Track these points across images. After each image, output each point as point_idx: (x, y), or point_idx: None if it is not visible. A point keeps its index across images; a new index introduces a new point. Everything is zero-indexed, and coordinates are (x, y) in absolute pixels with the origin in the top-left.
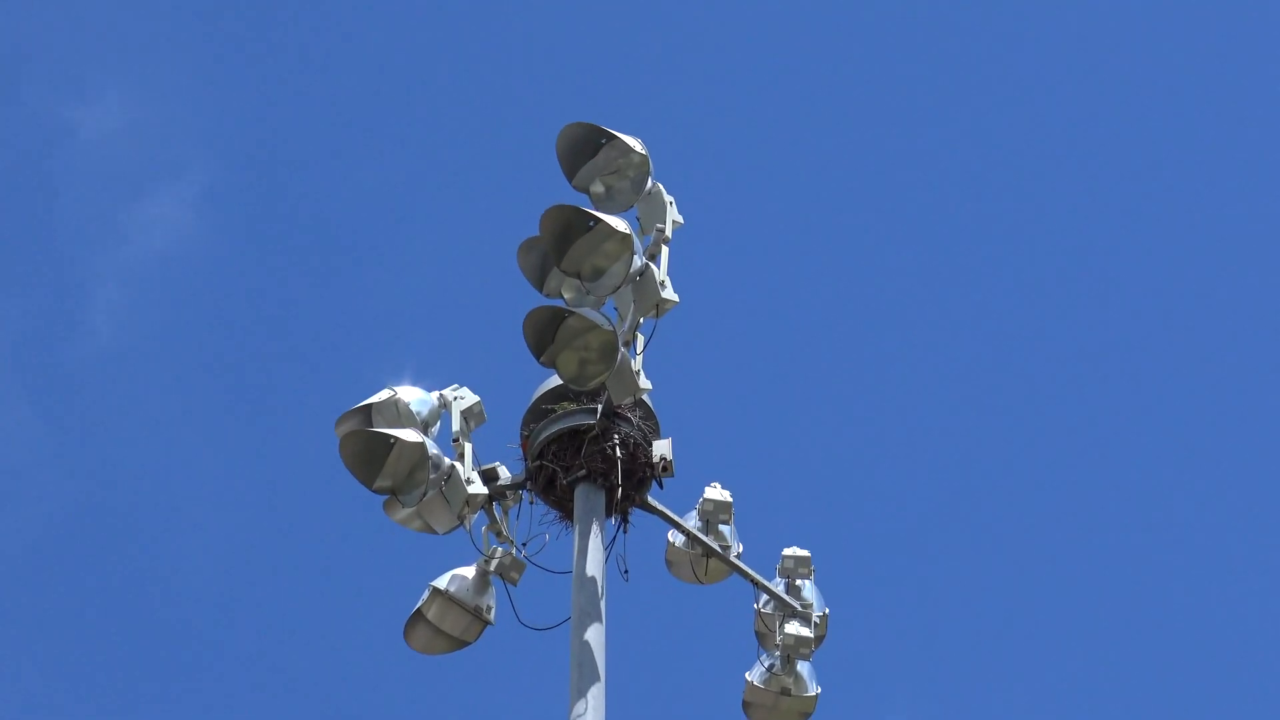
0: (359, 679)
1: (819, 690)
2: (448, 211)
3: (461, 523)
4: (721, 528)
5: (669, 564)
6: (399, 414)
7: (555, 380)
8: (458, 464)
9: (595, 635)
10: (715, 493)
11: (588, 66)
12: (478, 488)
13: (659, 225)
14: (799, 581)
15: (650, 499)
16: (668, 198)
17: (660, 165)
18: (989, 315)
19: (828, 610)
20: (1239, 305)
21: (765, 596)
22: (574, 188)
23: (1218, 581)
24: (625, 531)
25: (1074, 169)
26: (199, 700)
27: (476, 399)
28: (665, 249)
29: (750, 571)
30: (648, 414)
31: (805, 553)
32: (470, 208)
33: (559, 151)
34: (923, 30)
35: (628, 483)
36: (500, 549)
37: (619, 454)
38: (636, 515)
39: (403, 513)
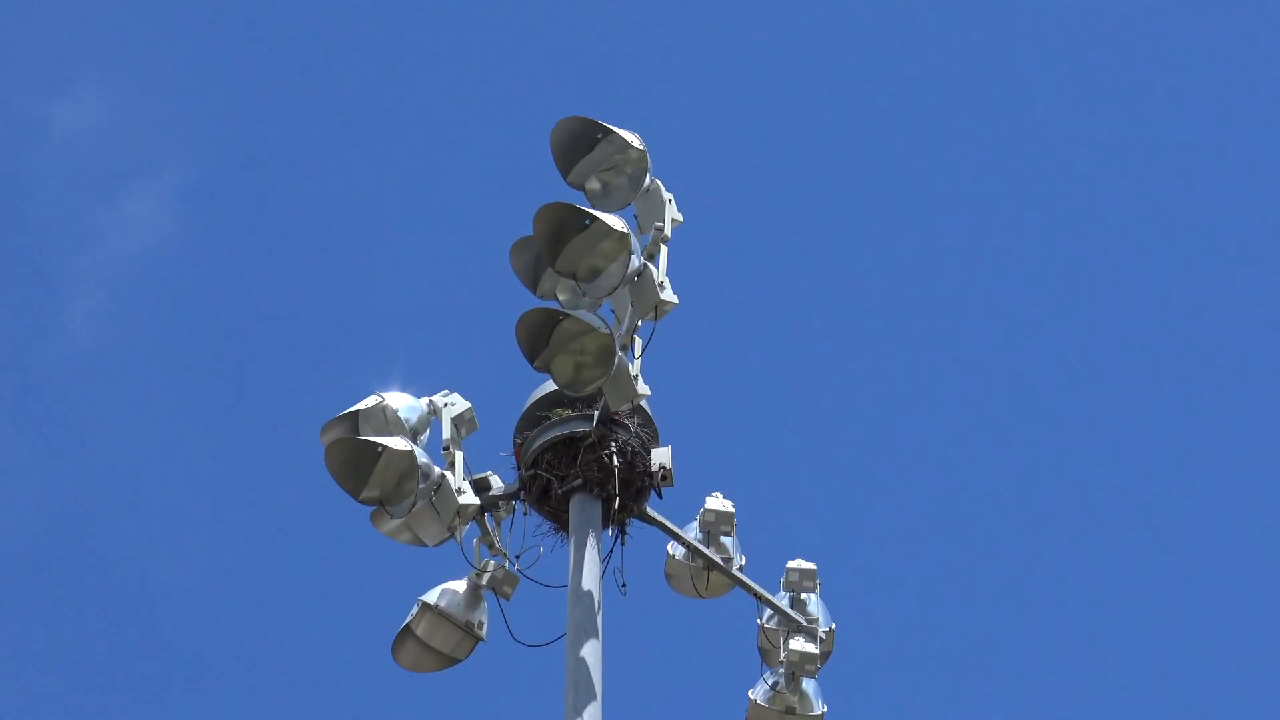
0: (344, 698)
1: (825, 709)
2: (437, 210)
3: (452, 534)
4: (723, 539)
5: (668, 577)
6: (387, 421)
7: (550, 386)
8: (448, 473)
9: (592, 652)
10: (716, 503)
11: (583, 58)
12: (469, 498)
13: (657, 223)
14: (804, 595)
15: (649, 509)
16: (666, 195)
17: (659, 161)
18: (1001, 320)
19: (834, 625)
20: (1240, 307)
21: (769, 611)
22: (569, 185)
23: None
24: (623, 543)
25: (1076, 169)
26: (176, 718)
27: (468, 405)
28: (664, 248)
29: (753, 585)
30: (646, 421)
31: (810, 565)
32: (461, 206)
33: (553, 147)
34: (928, 22)
35: (625, 493)
36: (492, 562)
37: (616, 463)
38: (634, 526)
39: (391, 524)
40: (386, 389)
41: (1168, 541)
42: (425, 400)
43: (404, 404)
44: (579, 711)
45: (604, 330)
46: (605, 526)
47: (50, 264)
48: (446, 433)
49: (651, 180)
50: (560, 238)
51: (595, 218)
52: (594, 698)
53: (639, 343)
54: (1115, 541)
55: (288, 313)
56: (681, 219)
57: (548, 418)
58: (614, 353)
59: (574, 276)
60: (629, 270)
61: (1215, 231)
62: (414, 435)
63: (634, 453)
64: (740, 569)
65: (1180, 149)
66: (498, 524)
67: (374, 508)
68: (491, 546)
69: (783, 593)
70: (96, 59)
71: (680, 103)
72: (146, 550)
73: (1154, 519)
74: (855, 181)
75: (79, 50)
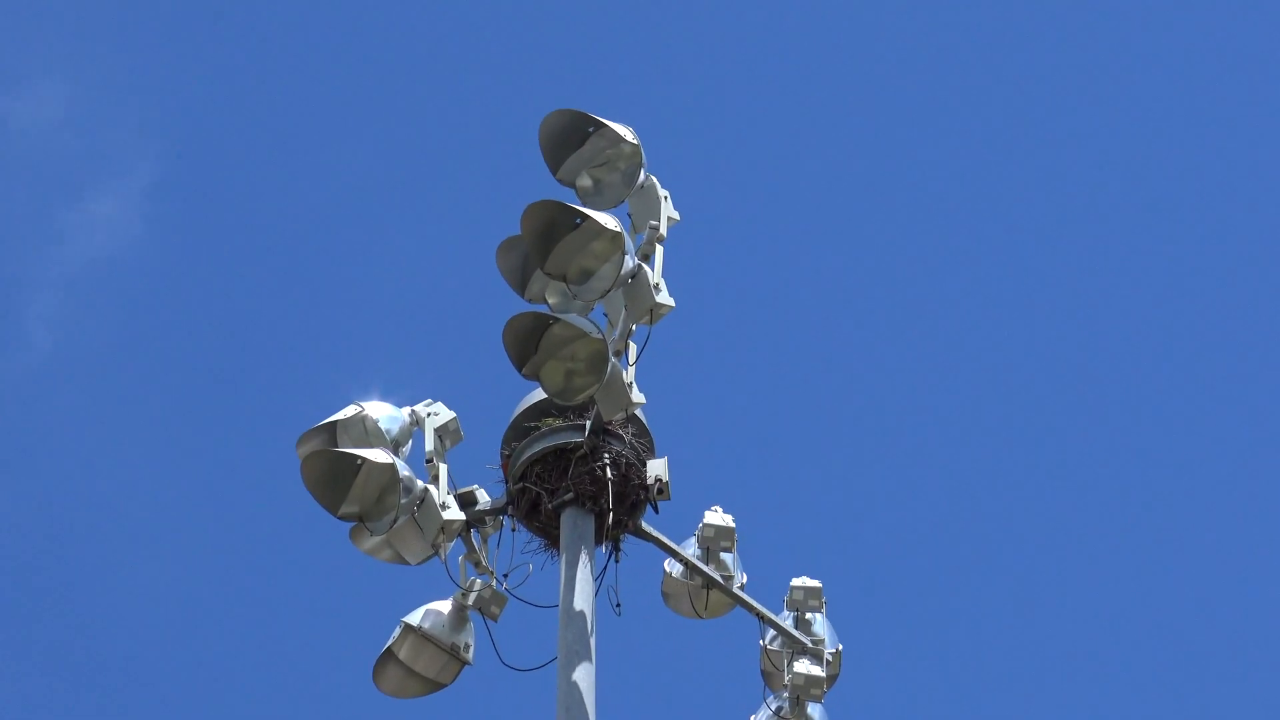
0: None
1: None
2: (419, 208)
3: (436, 552)
4: (723, 556)
5: (665, 596)
6: (366, 432)
7: (539, 394)
8: (432, 487)
9: (584, 676)
10: (716, 517)
11: (574, 48)
12: (454, 513)
13: (652, 222)
14: (809, 615)
15: (644, 525)
16: (662, 192)
17: (654, 156)
18: (1016, 327)
19: (841, 646)
20: (1241, 309)
21: (772, 632)
22: (559, 181)
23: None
24: (617, 561)
25: (1081, 168)
26: None
27: (452, 415)
28: (660, 249)
29: (755, 604)
30: (641, 431)
31: (816, 583)
32: (444, 204)
33: (542, 141)
34: (933, 11)
35: (619, 507)
36: (479, 581)
37: (610, 475)
38: (629, 543)
39: (371, 541)
40: (366, 398)
41: (1181, 549)
42: (407, 410)
43: (384, 414)
44: None
45: (596, 335)
46: (598, 543)
47: (9, 267)
48: (430, 444)
49: (646, 176)
50: (550, 237)
51: (586, 216)
52: None
53: (633, 348)
54: (1132, 552)
55: (261, 318)
56: (678, 217)
57: (537, 428)
58: (607, 359)
59: (564, 278)
60: (622, 272)
61: (1216, 232)
62: (395, 447)
63: (628, 464)
64: (741, 587)
65: (1180, 149)
66: (484, 541)
67: (353, 524)
68: (478, 565)
69: (786, 612)
70: (57, 52)
71: (676, 94)
72: (110, 571)
73: (1166, 528)
74: (860, 178)
75: (38, 43)
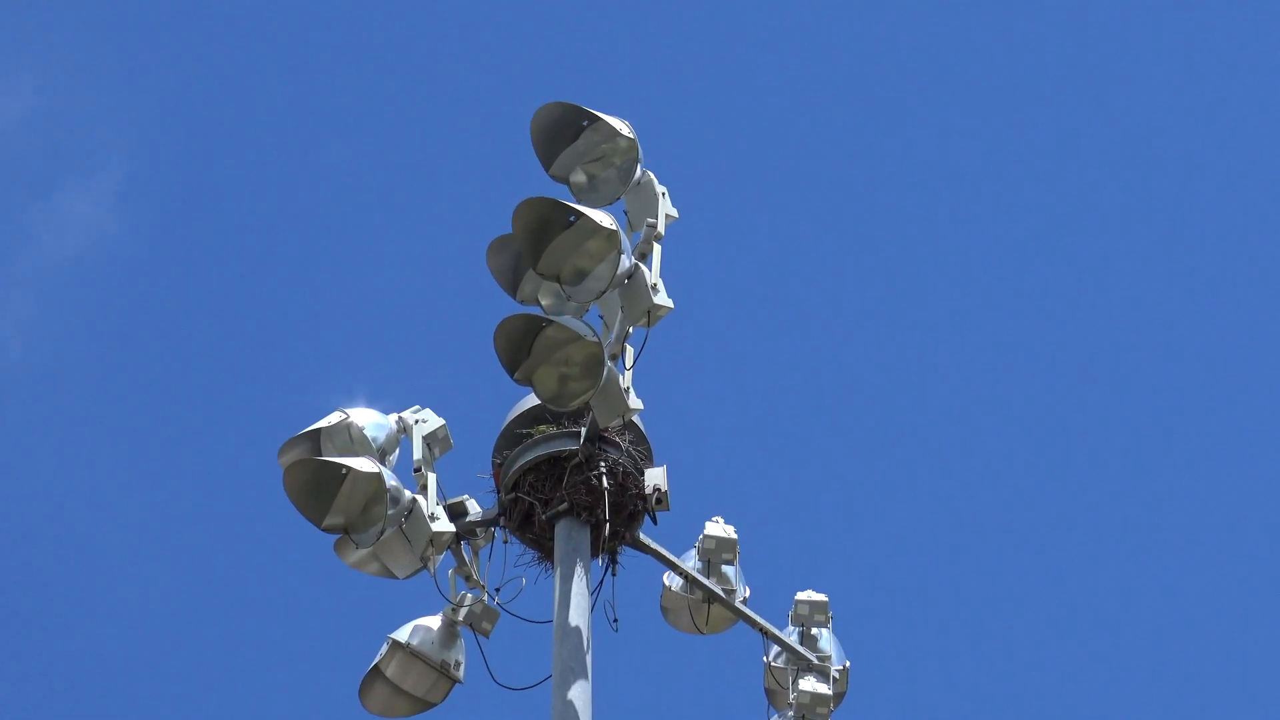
0: None
1: None
2: (406, 205)
3: (425, 565)
4: (725, 569)
5: (665, 611)
6: (351, 440)
7: (532, 400)
8: (420, 498)
9: (580, 694)
10: (717, 529)
11: (567, 37)
12: (443, 525)
13: (650, 220)
14: (815, 630)
15: (642, 536)
16: (660, 188)
17: (651, 151)
18: (1031, 336)
19: (848, 663)
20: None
21: (776, 648)
22: (552, 177)
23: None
24: (614, 574)
25: (1084, 168)
26: None
27: (441, 422)
28: (657, 247)
29: (758, 619)
30: (639, 438)
31: (822, 597)
32: (432, 201)
33: (534, 135)
34: (943, 3)
35: (616, 518)
36: (470, 595)
37: (606, 485)
38: (627, 555)
39: (357, 554)
40: (351, 404)
41: (1198, 563)
42: (394, 417)
43: (370, 421)
44: None
45: (591, 338)
46: (594, 555)
47: None
48: (418, 453)
49: (643, 172)
50: (543, 236)
51: (581, 214)
52: None
53: (630, 352)
54: (1152, 565)
55: (241, 321)
56: (676, 215)
57: (530, 435)
58: (602, 363)
59: (558, 279)
60: (619, 272)
61: (1217, 232)
62: (382, 456)
63: (625, 474)
64: (744, 601)
65: (1180, 149)
66: (475, 553)
67: (338, 536)
68: (468, 578)
69: (791, 627)
70: (26, 45)
71: (674, 86)
72: (84, 587)
73: (1181, 539)
74: (868, 172)
75: (7, 36)
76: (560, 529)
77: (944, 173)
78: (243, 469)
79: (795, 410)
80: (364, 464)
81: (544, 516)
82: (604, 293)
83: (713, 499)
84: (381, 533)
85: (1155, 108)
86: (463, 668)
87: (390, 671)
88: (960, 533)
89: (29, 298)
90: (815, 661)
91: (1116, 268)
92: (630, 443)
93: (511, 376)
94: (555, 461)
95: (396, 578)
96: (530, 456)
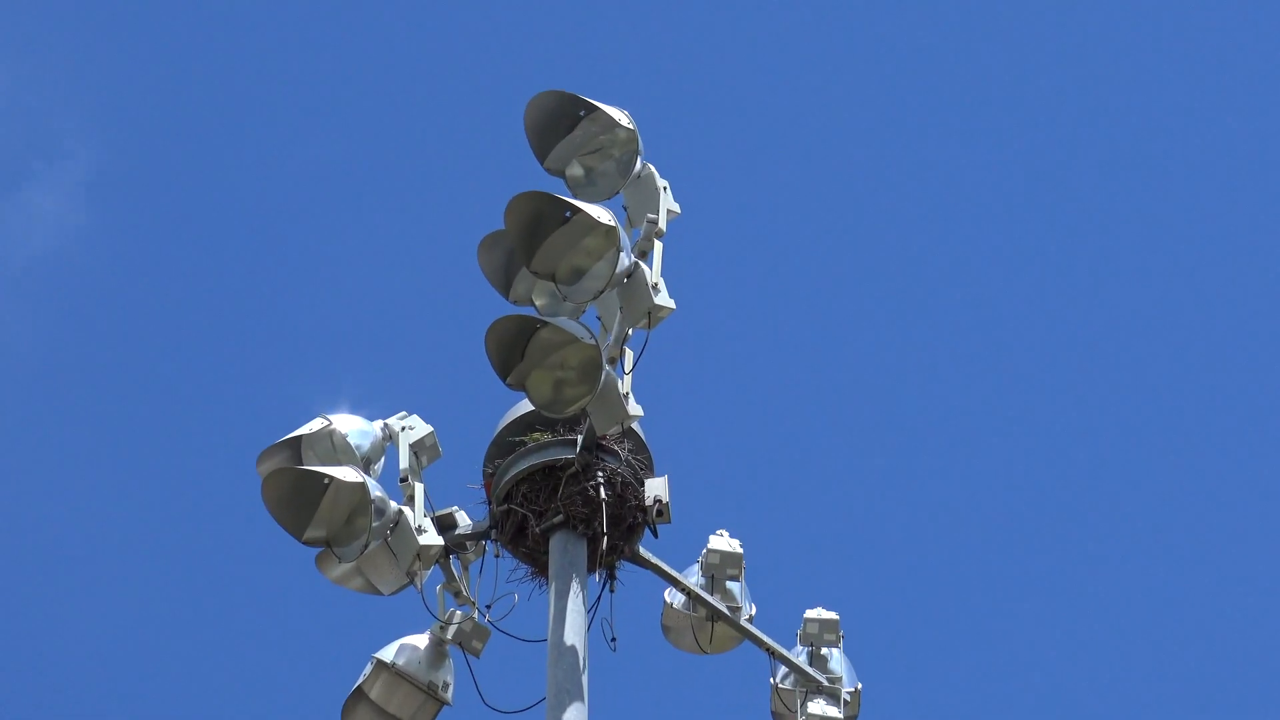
0: None
1: None
2: (392, 200)
3: (412, 581)
4: (729, 585)
5: (666, 629)
6: (334, 448)
7: (525, 406)
8: (406, 509)
9: (576, 718)
10: (722, 542)
11: (563, 22)
12: (431, 538)
13: (650, 216)
14: (825, 650)
15: (642, 550)
16: (661, 182)
17: (651, 143)
18: (1055, 343)
19: (860, 685)
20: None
21: (784, 669)
22: (546, 170)
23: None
24: (612, 590)
25: (1088, 167)
26: None
27: (429, 429)
28: (658, 245)
29: (765, 638)
30: (638, 446)
31: (832, 615)
32: (420, 195)
33: (528, 126)
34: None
35: (615, 531)
36: (459, 613)
37: (604, 496)
38: (626, 570)
39: (340, 569)
40: (334, 410)
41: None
42: (379, 424)
43: (354, 428)
44: None
45: (588, 340)
46: (591, 570)
47: None
48: (404, 461)
49: (643, 165)
50: (537, 232)
51: (577, 209)
52: None
53: (629, 355)
54: (1172, 581)
55: (217, 322)
56: (679, 210)
57: (523, 443)
58: (600, 367)
59: (553, 278)
60: (617, 270)
61: (1217, 232)
62: (366, 464)
63: (624, 484)
64: (750, 619)
65: (1180, 149)
66: (465, 568)
67: (320, 550)
68: (458, 594)
69: (800, 647)
70: None
71: (675, 74)
72: (49, 600)
73: (1201, 557)
74: (878, 166)
75: None
76: (555, 542)
77: (969, 166)
78: (218, 478)
79: (804, 417)
80: (347, 473)
81: (538, 529)
82: (602, 292)
83: (717, 511)
84: (366, 546)
85: (1155, 107)
86: (451, 689)
87: (375, 693)
88: (981, 549)
89: None
90: (825, 683)
91: (1131, 268)
92: (629, 451)
93: (504, 381)
94: (550, 471)
95: (382, 594)
96: (524, 466)
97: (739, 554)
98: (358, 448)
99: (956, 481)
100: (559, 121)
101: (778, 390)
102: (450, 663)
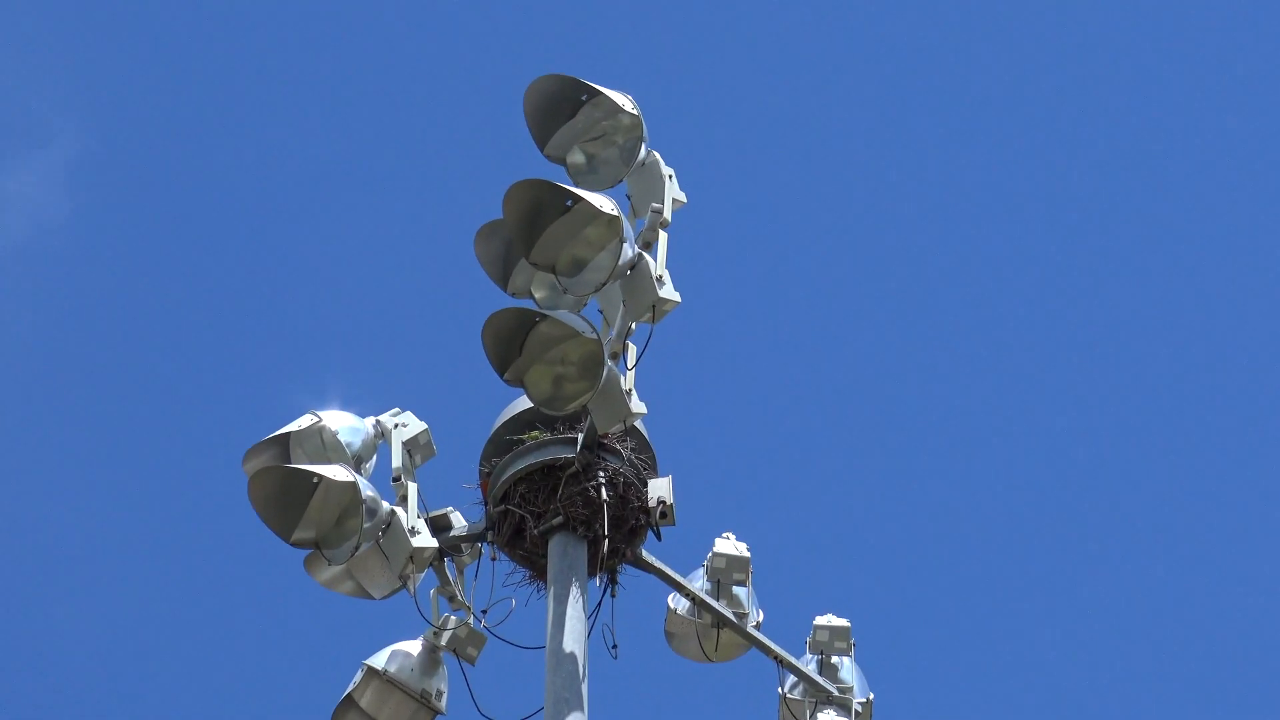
0: None
1: None
2: (386, 188)
3: (404, 584)
4: (736, 590)
5: (669, 636)
6: (324, 446)
7: (524, 403)
8: (399, 510)
9: None
10: (728, 546)
11: (565, 3)
12: (425, 540)
13: (655, 205)
14: (835, 658)
15: (645, 554)
16: (666, 170)
17: (656, 129)
18: (1076, 347)
19: (872, 695)
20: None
21: (793, 678)
22: (547, 157)
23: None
24: (613, 595)
25: (1093, 166)
26: None
27: (423, 427)
28: (663, 235)
29: (773, 646)
30: (641, 445)
31: (843, 622)
32: (415, 183)
33: (528, 111)
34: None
35: (616, 533)
36: (454, 618)
37: (605, 497)
38: (628, 574)
39: (329, 572)
40: (324, 406)
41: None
42: (371, 420)
43: (345, 425)
44: None
45: (590, 335)
46: (592, 574)
47: None
48: (397, 460)
49: (648, 152)
50: (537, 222)
51: (579, 198)
52: None
53: (633, 350)
54: (1198, 595)
55: (202, 313)
56: (685, 199)
57: (521, 442)
58: (602, 362)
59: (553, 269)
60: (620, 262)
61: (1217, 232)
62: (357, 463)
63: (626, 484)
64: (757, 626)
65: (1181, 149)
66: (460, 571)
67: (308, 552)
68: (452, 599)
69: (809, 655)
70: None
71: (681, 58)
72: (30, 604)
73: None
74: (886, 161)
75: None
76: (554, 545)
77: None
78: (203, 476)
79: (814, 416)
80: (338, 472)
81: (536, 531)
82: (604, 285)
83: (723, 513)
84: (356, 548)
85: (1155, 107)
86: (445, 698)
87: (365, 701)
88: (1000, 554)
89: None
90: (836, 693)
91: (1138, 269)
92: (632, 450)
93: (501, 377)
94: (549, 471)
95: (373, 598)
96: (521, 465)
97: (746, 558)
98: (348, 445)
99: (975, 482)
100: (560, 106)
101: (786, 387)
102: (444, 670)
